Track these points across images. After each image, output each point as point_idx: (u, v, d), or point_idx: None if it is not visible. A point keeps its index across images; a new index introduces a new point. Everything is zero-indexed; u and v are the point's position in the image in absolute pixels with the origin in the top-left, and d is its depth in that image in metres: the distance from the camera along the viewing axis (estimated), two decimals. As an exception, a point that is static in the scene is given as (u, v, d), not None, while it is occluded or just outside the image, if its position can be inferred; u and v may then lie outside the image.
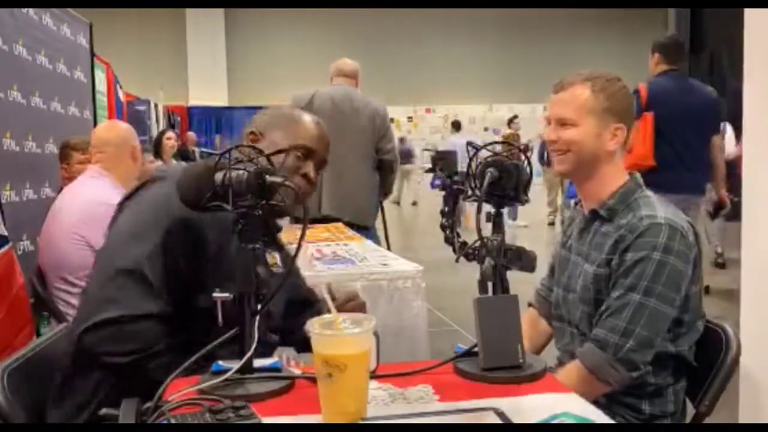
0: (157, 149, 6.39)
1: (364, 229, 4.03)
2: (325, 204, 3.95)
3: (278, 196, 1.30)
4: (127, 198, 1.59)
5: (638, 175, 1.75)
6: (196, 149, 10.73)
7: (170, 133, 7.12)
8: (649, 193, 1.72)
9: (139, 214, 1.52)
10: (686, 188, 3.64)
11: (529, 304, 1.99)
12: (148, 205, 1.52)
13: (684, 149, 3.74)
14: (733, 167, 4.29)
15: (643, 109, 3.75)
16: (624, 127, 1.70)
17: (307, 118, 1.72)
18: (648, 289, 1.57)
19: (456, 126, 12.87)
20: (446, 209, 1.46)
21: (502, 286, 1.38)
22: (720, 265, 6.66)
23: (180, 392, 1.17)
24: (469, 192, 1.44)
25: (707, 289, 5.39)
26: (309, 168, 1.67)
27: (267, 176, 1.26)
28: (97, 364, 1.43)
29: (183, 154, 11.07)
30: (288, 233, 3.36)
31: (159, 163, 5.14)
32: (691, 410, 1.69)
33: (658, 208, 1.65)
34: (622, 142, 1.70)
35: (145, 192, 1.56)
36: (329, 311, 1.22)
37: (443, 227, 1.46)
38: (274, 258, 1.68)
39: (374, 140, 4.09)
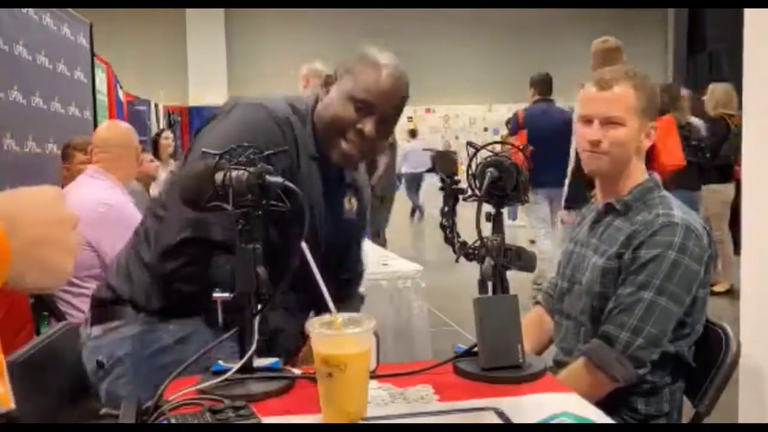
0: (155, 150, 6.34)
1: None
2: None
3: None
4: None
5: (656, 174, 1.75)
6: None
7: (167, 133, 7.07)
8: (666, 193, 1.72)
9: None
10: (549, 183, 5.01)
11: (536, 302, 1.98)
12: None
13: (545, 156, 4.71)
14: None
15: (520, 127, 5.38)
16: (656, 126, 1.72)
17: (380, 67, 1.60)
18: (661, 288, 1.57)
19: (413, 133, 13.33)
20: (446, 209, 1.46)
21: (502, 286, 1.38)
22: None
23: (180, 392, 1.17)
24: (469, 192, 1.44)
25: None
26: (366, 124, 1.57)
27: (267, 176, 1.26)
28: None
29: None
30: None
31: (157, 163, 5.12)
32: (690, 410, 1.69)
33: (675, 208, 1.65)
34: (653, 139, 1.71)
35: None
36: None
37: (443, 227, 1.46)
38: (351, 203, 1.74)
39: None
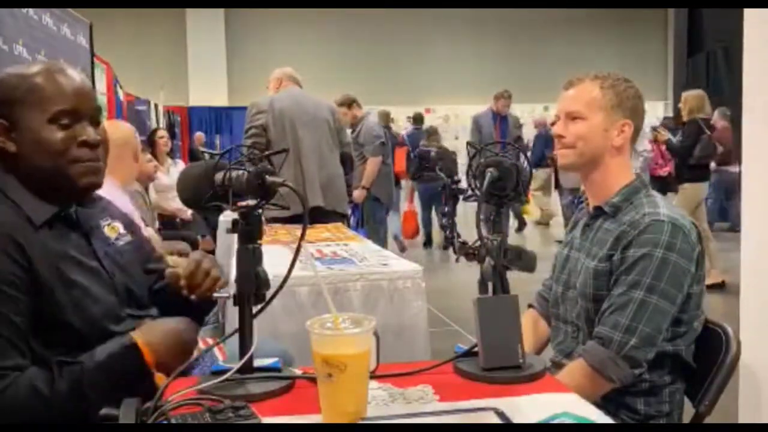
0: (152, 149, 6.27)
1: (342, 217, 4.31)
2: (311, 194, 4.04)
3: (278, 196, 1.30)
4: None
5: (644, 175, 1.78)
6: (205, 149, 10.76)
7: (162, 132, 6.95)
8: (654, 192, 1.75)
9: None
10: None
11: (530, 306, 1.99)
12: None
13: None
14: None
15: (401, 144, 7.99)
16: (631, 123, 1.73)
17: (42, 74, 1.41)
18: (651, 287, 1.58)
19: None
20: (446, 209, 1.46)
21: (502, 286, 1.38)
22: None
23: (180, 392, 1.17)
24: (469, 192, 1.45)
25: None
26: (84, 132, 1.42)
27: (267, 176, 1.26)
28: None
29: (192, 155, 11.01)
30: (288, 233, 3.37)
31: (155, 163, 5.08)
32: (690, 410, 1.69)
33: (662, 206, 1.66)
34: (629, 137, 1.73)
35: None
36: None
37: (443, 227, 1.46)
38: (115, 229, 1.59)
39: (335, 133, 4.27)
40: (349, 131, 5.35)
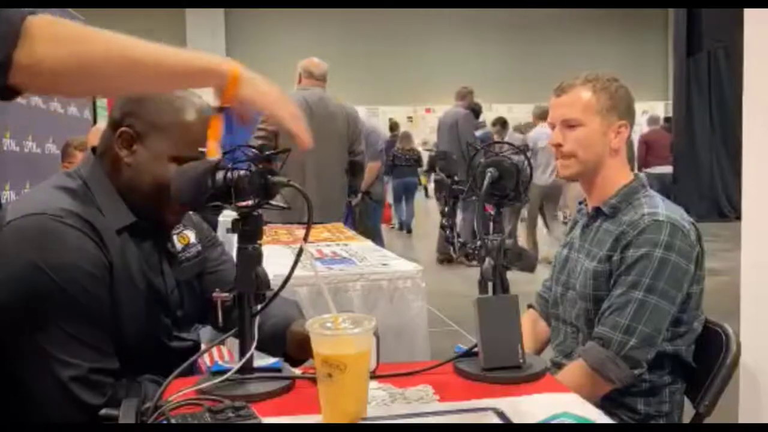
0: None
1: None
2: (304, 213, 3.96)
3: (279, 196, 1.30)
4: None
5: (642, 175, 1.78)
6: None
7: None
8: (653, 192, 1.75)
9: None
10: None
11: (529, 306, 1.99)
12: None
13: None
14: None
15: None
16: (627, 124, 1.74)
17: (189, 113, 1.43)
18: (650, 287, 1.58)
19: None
20: (446, 209, 1.46)
21: (502, 286, 1.38)
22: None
23: (180, 392, 1.17)
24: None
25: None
26: None
27: (270, 176, 1.25)
28: None
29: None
30: (288, 233, 3.37)
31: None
32: (690, 410, 1.69)
33: (661, 206, 1.66)
34: (625, 138, 1.74)
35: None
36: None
37: (443, 227, 1.46)
38: (185, 238, 1.57)
39: (348, 143, 4.19)
40: None
